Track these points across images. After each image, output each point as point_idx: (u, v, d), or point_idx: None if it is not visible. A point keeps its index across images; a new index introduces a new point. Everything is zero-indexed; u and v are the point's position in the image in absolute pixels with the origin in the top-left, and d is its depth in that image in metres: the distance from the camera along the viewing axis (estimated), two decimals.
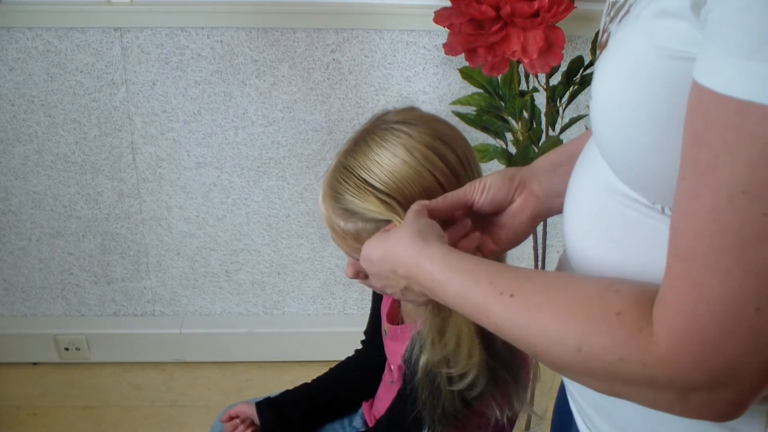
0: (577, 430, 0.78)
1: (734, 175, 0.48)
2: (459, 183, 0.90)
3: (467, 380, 0.94)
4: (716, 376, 0.52)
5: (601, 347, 0.56)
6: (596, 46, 0.70)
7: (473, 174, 0.95)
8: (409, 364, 0.99)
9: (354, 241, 0.92)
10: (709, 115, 0.49)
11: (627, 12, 0.59)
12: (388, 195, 0.88)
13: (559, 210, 0.82)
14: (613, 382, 0.58)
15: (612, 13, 0.64)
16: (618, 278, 0.61)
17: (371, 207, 0.89)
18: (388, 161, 0.89)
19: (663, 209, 0.60)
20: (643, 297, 0.56)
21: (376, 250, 0.79)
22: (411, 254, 0.74)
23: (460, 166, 0.92)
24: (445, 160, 0.90)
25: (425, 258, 0.73)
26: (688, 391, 0.54)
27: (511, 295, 0.63)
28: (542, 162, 0.88)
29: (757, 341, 0.50)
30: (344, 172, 0.91)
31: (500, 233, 0.85)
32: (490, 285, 0.66)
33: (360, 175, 0.90)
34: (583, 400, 0.75)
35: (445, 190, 0.89)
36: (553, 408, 0.92)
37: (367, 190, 0.89)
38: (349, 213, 0.90)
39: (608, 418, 0.71)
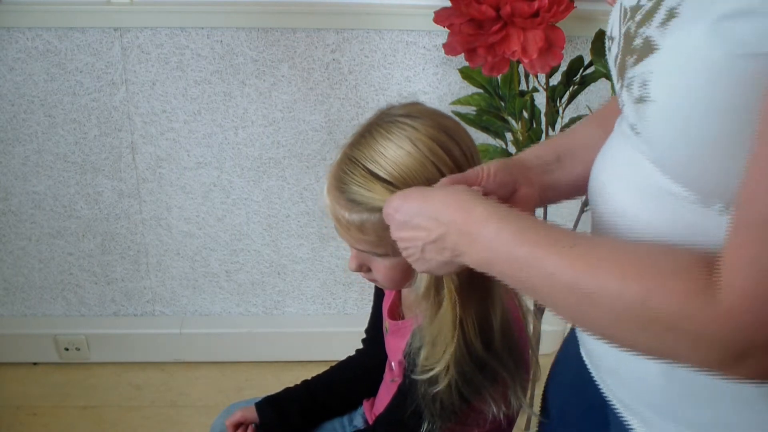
0: (598, 389, 0.79)
1: None
2: None
3: (431, 374, 0.95)
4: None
5: (668, 302, 0.57)
6: (614, 49, 0.70)
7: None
8: (409, 359, 0.99)
9: (358, 232, 0.92)
10: None
11: (672, 16, 0.60)
12: (392, 185, 0.89)
13: (549, 202, 0.85)
14: (669, 339, 0.59)
15: (639, 18, 0.64)
16: (675, 245, 0.63)
17: (376, 195, 0.89)
18: (393, 153, 0.90)
19: (720, 210, 0.61)
20: (708, 259, 0.58)
21: (414, 197, 0.78)
22: (459, 200, 0.73)
23: (464, 160, 0.92)
24: (450, 154, 0.91)
25: (476, 204, 0.71)
26: (744, 351, 0.55)
27: (573, 245, 0.63)
28: (531, 158, 0.88)
29: None
30: (350, 164, 0.92)
31: None
32: (547, 235, 0.66)
33: (365, 166, 0.90)
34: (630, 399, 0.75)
35: None
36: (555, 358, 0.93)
37: (372, 180, 0.90)
38: (354, 203, 0.91)
39: (667, 415, 0.72)
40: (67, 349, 2.02)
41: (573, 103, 1.57)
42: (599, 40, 1.46)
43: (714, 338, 0.56)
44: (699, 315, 0.56)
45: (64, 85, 1.72)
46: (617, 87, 0.70)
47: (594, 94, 1.72)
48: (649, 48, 0.62)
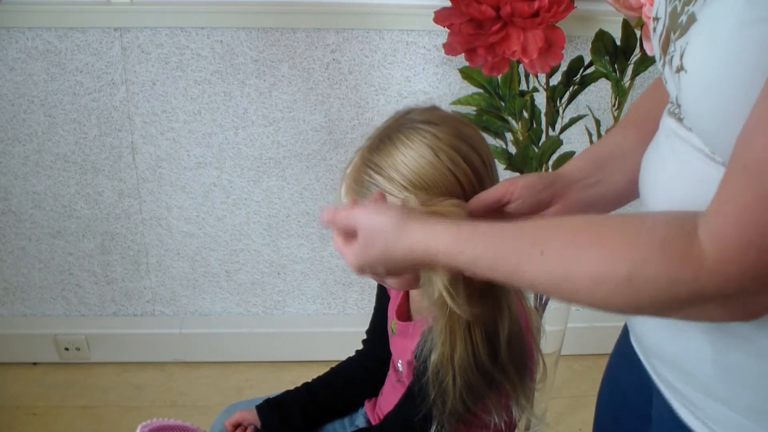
0: (647, 375, 0.80)
1: None
2: (481, 185, 0.91)
3: (440, 376, 0.96)
4: (761, 284, 0.56)
5: (654, 274, 0.59)
6: (659, 29, 0.71)
7: (494, 176, 0.95)
8: (420, 360, 0.99)
9: None
10: None
11: None
12: (412, 192, 0.89)
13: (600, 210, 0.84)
14: (660, 305, 0.60)
15: None
16: (649, 213, 0.64)
17: (395, 202, 0.89)
18: (413, 161, 0.90)
19: None
20: (683, 221, 0.59)
21: (374, 248, 0.78)
22: (421, 256, 0.74)
23: (483, 168, 0.92)
24: (470, 163, 0.91)
25: (441, 258, 0.73)
26: (728, 297, 0.57)
27: (542, 252, 0.65)
28: (573, 171, 0.88)
29: None
30: (370, 168, 0.92)
31: None
32: (516, 249, 0.67)
33: (387, 173, 0.90)
34: (679, 381, 0.76)
35: (464, 192, 0.90)
36: (613, 349, 0.94)
37: (392, 187, 0.90)
38: None
39: (710, 394, 0.72)
40: (67, 349, 2.02)
41: (573, 103, 1.57)
42: (599, 40, 1.46)
43: (705, 294, 0.58)
44: (687, 278, 0.58)
45: (64, 85, 1.72)
46: (659, 65, 0.71)
47: (594, 94, 1.72)
48: (690, 21, 0.63)
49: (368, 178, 0.92)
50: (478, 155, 0.92)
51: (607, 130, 0.94)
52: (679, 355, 0.73)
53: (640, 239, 0.60)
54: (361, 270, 0.81)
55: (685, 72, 0.63)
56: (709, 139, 0.64)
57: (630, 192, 0.81)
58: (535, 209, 0.84)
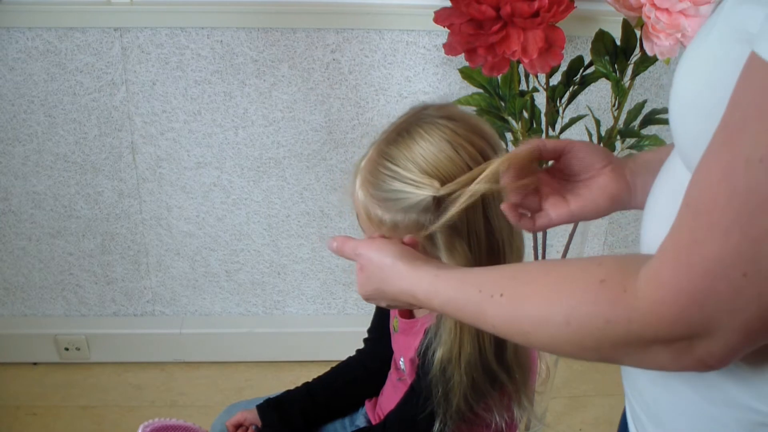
0: None
1: (756, 142, 0.49)
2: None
3: (446, 374, 0.96)
4: (695, 329, 0.54)
5: (588, 315, 0.59)
6: None
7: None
8: (424, 358, 0.99)
9: (390, 231, 0.92)
10: (752, 80, 0.50)
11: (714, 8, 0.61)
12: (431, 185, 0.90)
13: (637, 206, 0.83)
14: (602, 347, 0.60)
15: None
16: (604, 255, 0.63)
17: (412, 195, 0.90)
18: (432, 155, 0.90)
19: None
20: (626, 262, 0.59)
21: (372, 283, 0.85)
22: (402, 292, 0.80)
23: None
24: (487, 159, 0.91)
25: (418, 290, 0.78)
26: (669, 341, 0.56)
27: (501, 295, 0.67)
28: (637, 157, 0.88)
29: (736, 304, 0.52)
30: (388, 161, 0.92)
31: (573, 201, 0.85)
32: (479, 293, 0.70)
33: (405, 165, 0.90)
34: (637, 405, 0.75)
35: None
36: (620, 422, 0.93)
37: (410, 180, 0.90)
38: (390, 202, 0.91)
39: (659, 425, 0.71)
40: (67, 349, 2.02)
41: (573, 103, 1.57)
42: (599, 40, 1.46)
43: (641, 336, 0.57)
44: (621, 319, 0.57)
45: (64, 85, 1.72)
46: None
47: (594, 94, 1.72)
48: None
49: (384, 170, 0.92)
50: (494, 152, 0.92)
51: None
52: (638, 387, 0.73)
53: (582, 281, 0.61)
54: (366, 299, 0.88)
55: (671, 87, 0.63)
56: (686, 161, 0.63)
57: None
58: (582, 169, 0.84)
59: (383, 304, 0.88)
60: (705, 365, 0.57)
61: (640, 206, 0.81)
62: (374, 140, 0.96)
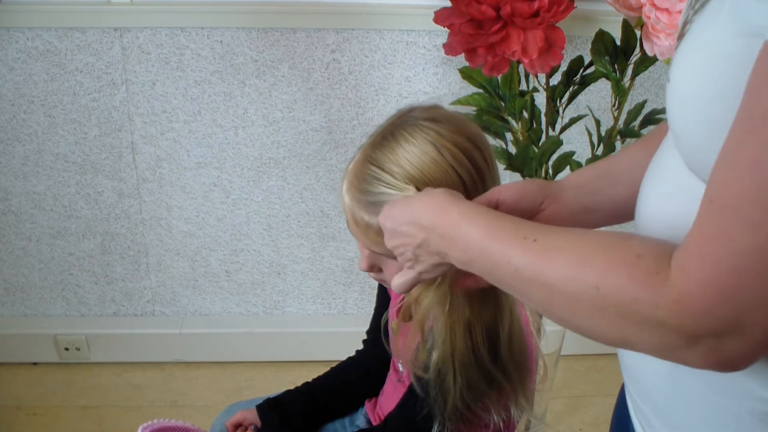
0: None
1: None
2: (483, 183, 0.91)
3: (442, 375, 0.96)
4: (724, 325, 0.53)
5: (618, 286, 0.58)
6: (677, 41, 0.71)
7: (496, 175, 0.95)
8: (420, 360, 0.99)
9: (376, 235, 0.91)
10: None
11: (707, 1, 0.60)
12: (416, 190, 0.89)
13: (586, 226, 0.83)
14: (624, 323, 0.59)
15: (697, 6, 0.64)
16: (642, 234, 0.63)
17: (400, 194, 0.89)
18: (416, 158, 0.89)
19: None
20: (664, 246, 0.58)
21: (399, 205, 0.80)
22: (437, 203, 0.76)
23: (485, 166, 0.92)
24: (473, 161, 0.91)
25: (452, 206, 0.74)
26: (696, 337, 0.55)
27: (535, 240, 0.65)
28: (571, 179, 0.88)
29: (767, 299, 0.51)
30: (373, 165, 0.92)
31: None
32: (515, 230, 0.68)
33: (389, 168, 0.90)
34: (643, 403, 0.75)
35: (467, 189, 0.89)
36: (612, 414, 0.92)
37: (394, 184, 0.90)
38: (376, 206, 0.91)
39: (668, 421, 0.71)
40: (67, 349, 2.02)
41: (573, 103, 1.57)
42: (599, 40, 1.46)
43: (665, 324, 0.56)
44: (648, 301, 0.56)
45: (64, 85, 1.72)
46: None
47: (594, 94, 1.72)
48: (687, 31, 0.63)
49: (370, 173, 0.92)
50: (480, 153, 0.92)
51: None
52: (641, 374, 0.72)
53: (621, 251, 0.60)
54: (392, 235, 0.80)
55: (669, 82, 0.62)
56: (685, 156, 0.63)
57: (627, 209, 0.80)
58: (526, 211, 0.84)
59: (409, 248, 0.80)
60: (730, 364, 0.56)
61: (596, 223, 0.83)
62: (362, 144, 0.96)
